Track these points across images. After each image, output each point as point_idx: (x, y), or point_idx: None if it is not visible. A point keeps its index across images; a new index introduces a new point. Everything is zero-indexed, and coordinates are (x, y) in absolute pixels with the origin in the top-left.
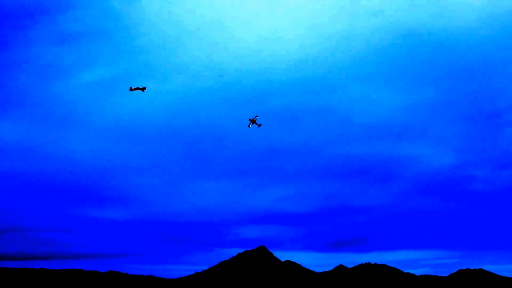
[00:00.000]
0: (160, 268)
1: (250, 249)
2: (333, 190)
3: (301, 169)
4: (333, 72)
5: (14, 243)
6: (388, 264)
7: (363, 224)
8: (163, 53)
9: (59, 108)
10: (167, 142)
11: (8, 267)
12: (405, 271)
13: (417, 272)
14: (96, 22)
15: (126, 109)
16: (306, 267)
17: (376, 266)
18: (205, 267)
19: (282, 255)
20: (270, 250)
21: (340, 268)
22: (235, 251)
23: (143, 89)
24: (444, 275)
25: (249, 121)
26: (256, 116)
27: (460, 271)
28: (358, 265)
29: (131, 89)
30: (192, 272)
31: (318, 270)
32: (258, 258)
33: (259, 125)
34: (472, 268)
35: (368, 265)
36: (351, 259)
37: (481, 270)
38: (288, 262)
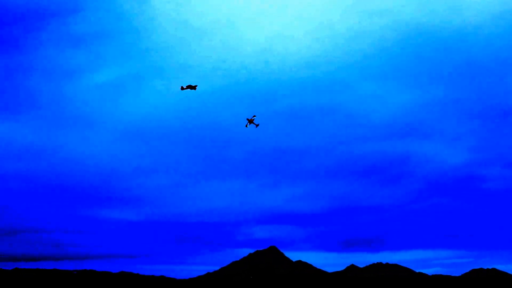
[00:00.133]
0: (172, 269)
1: (261, 249)
2: (344, 190)
3: (312, 168)
4: (343, 70)
5: (27, 244)
6: (400, 264)
7: (375, 224)
8: (172, 53)
9: (70, 109)
10: (177, 143)
11: (22, 268)
12: (417, 270)
13: (429, 271)
14: (106, 24)
15: (137, 109)
16: (317, 267)
17: (388, 265)
18: (217, 268)
19: (293, 255)
20: (281, 250)
21: (352, 268)
22: (246, 251)
23: (194, 87)
24: (457, 275)
25: (247, 121)
26: (254, 116)
27: (472, 270)
28: (370, 265)
29: (182, 88)
30: (203, 273)
31: (329, 270)
32: (269, 258)
33: (257, 125)
34: (485, 267)
35: (380, 264)
36: (362, 259)
37: (494, 269)
38: (299, 262)
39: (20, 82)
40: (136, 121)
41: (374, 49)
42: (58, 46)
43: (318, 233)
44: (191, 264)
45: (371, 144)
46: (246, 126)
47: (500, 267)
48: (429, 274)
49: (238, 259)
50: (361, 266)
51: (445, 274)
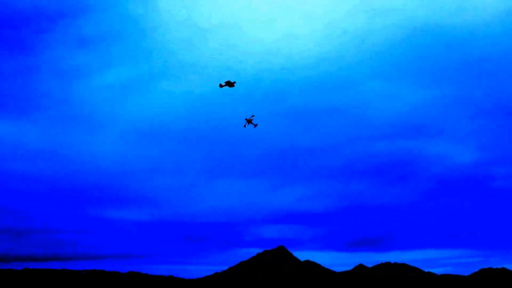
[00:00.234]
0: (180, 269)
1: (269, 249)
2: (352, 189)
3: (320, 168)
4: (351, 69)
5: (37, 245)
6: (408, 263)
7: (383, 223)
8: (179, 54)
9: (79, 110)
10: (186, 143)
11: (31, 268)
12: (426, 270)
13: (438, 271)
14: (114, 26)
15: (145, 110)
16: (325, 266)
17: (396, 265)
18: (225, 267)
19: (302, 255)
20: (290, 250)
21: (360, 267)
22: (254, 251)
23: (232, 84)
24: (466, 274)
25: (245, 121)
26: (253, 116)
27: (482, 270)
28: (378, 265)
29: (220, 85)
30: (212, 272)
31: (337, 269)
32: (278, 258)
33: (255, 125)
34: (494, 267)
35: (388, 264)
36: (371, 259)
37: (503, 269)
38: (307, 262)
39: (29, 83)
40: (144, 122)
41: (382, 48)
42: (66, 47)
43: (326, 232)
44: (199, 264)
45: (379, 143)
46: (245, 126)
47: (510, 266)
48: (437, 274)
49: (246, 259)
50: (369, 265)
51: (454, 273)
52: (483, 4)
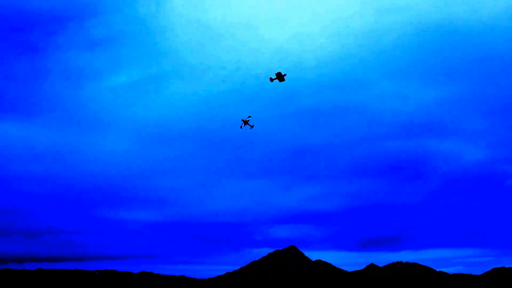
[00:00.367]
0: (192, 269)
1: (280, 249)
2: (364, 189)
3: (331, 167)
4: (361, 68)
5: (49, 245)
6: (420, 263)
7: (395, 223)
8: (189, 55)
9: (89, 111)
10: (196, 144)
11: (44, 269)
12: (438, 269)
13: (450, 270)
14: (124, 27)
15: (155, 111)
16: (337, 266)
17: (408, 265)
18: (236, 267)
19: (313, 255)
20: (301, 250)
21: (372, 267)
22: (265, 251)
23: (283, 77)
24: (478, 273)
25: (242, 122)
26: (249, 117)
27: (494, 269)
28: (390, 264)
29: (271, 79)
30: (223, 272)
31: (349, 269)
32: (289, 258)
33: (252, 126)
34: (507, 266)
35: (399, 264)
36: (382, 258)
37: None
38: (318, 261)
39: (39, 85)
40: (154, 123)
41: (393, 46)
42: (76, 49)
43: (338, 232)
44: (211, 264)
45: (390, 142)
46: (241, 127)
47: None
48: (450, 273)
49: (257, 258)
50: (380, 265)
51: (466, 273)
52: (494, 2)
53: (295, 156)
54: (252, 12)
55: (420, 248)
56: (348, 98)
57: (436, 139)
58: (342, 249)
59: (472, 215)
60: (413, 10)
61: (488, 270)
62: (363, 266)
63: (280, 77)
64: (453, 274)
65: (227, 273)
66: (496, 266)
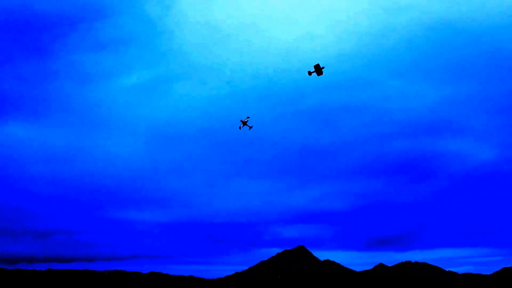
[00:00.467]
0: (200, 269)
1: (289, 248)
2: (372, 188)
3: (339, 167)
4: (369, 67)
5: (59, 246)
6: (429, 263)
7: (403, 222)
8: (198, 57)
9: (99, 113)
10: (205, 144)
11: (54, 269)
12: (447, 269)
13: (460, 270)
14: (133, 28)
15: (164, 112)
16: (345, 266)
17: (417, 264)
18: (245, 267)
19: (321, 255)
20: (309, 250)
21: (380, 266)
22: (274, 251)
23: (321, 69)
24: (488, 273)
25: (241, 123)
26: (248, 117)
27: (504, 269)
28: (399, 264)
29: (309, 73)
30: (232, 272)
31: (357, 269)
32: (297, 257)
33: (250, 127)
34: None
35: (408, 263)
36: (391, 258)
37: None
38: (327, 261)
39: (49, 86)
40: (163, 124)
41: (401, 45)
42: (85, 50)
43: (346, 232)
44: (219, 264)
45: (398, 141)
46: (240, 128)
47: None
48: (459, 273)
49: (266, 258)
50: (389, 265)
51: (476, 272)
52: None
53: (303, 156)
54: (260, 13)
55: (429, 248)
56: (356, 98)
57: (444, 138)
58: (351, 249)
59: (481, 214)
60: (421, 9)
61: (497, 269)
62: (372, 266)
63: (318, 70)
64: (463, 273)
65: (236, 273)
66: (506, 266)
